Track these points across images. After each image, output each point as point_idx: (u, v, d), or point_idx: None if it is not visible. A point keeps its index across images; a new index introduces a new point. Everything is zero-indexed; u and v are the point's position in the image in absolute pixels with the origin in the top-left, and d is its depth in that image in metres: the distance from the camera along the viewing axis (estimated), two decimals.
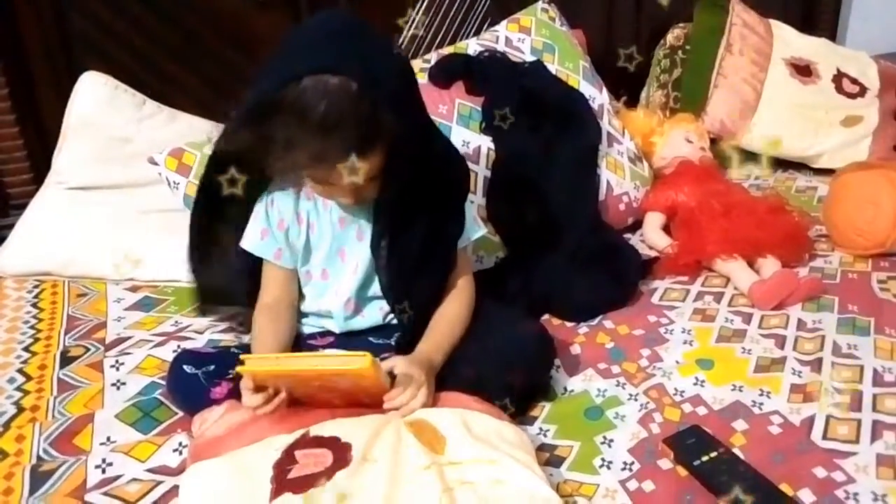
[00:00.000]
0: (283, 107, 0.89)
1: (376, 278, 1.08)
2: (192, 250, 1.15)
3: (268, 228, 1.08)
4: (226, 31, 1.70)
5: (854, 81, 2.00)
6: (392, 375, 0.94)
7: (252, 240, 1.10)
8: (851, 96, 1.98)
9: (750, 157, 1.96)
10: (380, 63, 0.92)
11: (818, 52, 2.05)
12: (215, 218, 1.12)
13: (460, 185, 1.12)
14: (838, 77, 2.00)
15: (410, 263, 1.05)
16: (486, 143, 1.49)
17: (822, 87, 1.98)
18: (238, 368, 0.90)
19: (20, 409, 1.06)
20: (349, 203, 1.02)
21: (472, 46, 1.66)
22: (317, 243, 1.10)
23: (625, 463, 0.96)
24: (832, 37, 2.43)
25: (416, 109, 1.00)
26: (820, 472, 0.91)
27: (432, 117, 1.40)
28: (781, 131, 1.92)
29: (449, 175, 1.09)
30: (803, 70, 1.99)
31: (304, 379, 0.91)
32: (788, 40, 2.05)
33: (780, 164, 1.98)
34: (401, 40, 1.86)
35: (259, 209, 1.09)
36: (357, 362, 0.87)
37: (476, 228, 1.15)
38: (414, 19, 1.86)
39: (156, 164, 1.39)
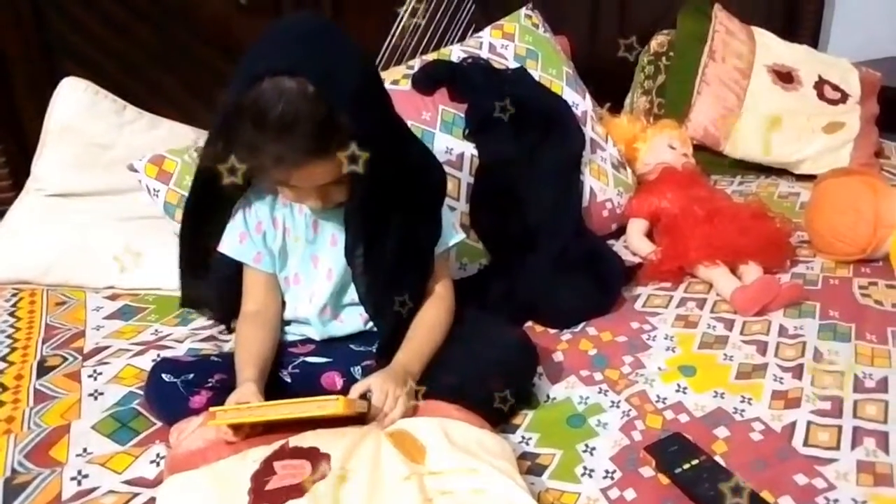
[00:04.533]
0: (244, 109, 0.90)
1: (352, 285, 1.08)
2: (182, 263, 1.15)
3: (246, 232, 1.08)
4: (209, 36, 1.69)
5: (836, 88, 2.02)
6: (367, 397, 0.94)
7: (231, 244, 1.09)
8: (833, 103, 2.00)
9: (733, 163, 1.98)
10: (340, 65, 0.92)
11: (800, 58, 2.07)
12: (204, 231, 1.12)
13: (436, 190, 1.12)
14: (820, 84, 2.02)
15: (386, 271, 1.04)
16: (469, 149, 1.49)
17: (804, 94, 1.99)
18: (209, 423, 0.89)
19: None
20: (317, 207, 1.02)
21: (455, 53, 1.66)
22: (292, 248, 1.10)
23: (606, 471, 0.95)
24: (814, 44, 2.45)
25: (379, 113, 0.99)
26: (801, 480, 0.91)
27: (415, 124, 1.41)
28: (763, 138, 1.93)
29: (423, 180, 1.08)
30: (785, 77, 2.01)
31: (278, 423, 0.90)
32: (771, 47, 2.07)
33: (763, 170, 1.99)
34: (385, 46, 1.85)
35: (237, 213, 1.09)
36: (330, 406, 0.87)
37: (454, 234, 1.14)
38: (398, 26, 1.86)
39: (136, 171, 1.37)
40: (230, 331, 1.23)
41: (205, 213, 1.10)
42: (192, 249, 1.13)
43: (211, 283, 1.16)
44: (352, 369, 1.08)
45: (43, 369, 1.16)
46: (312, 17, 0.95)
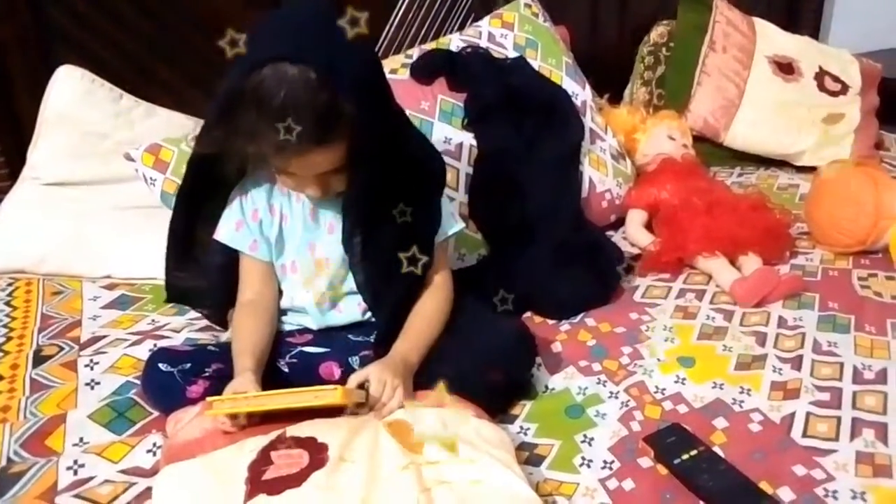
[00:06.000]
0: (245, 96, 0.89)
1: (350, 274, 1.07)
2: (171, 252, 1.13)
3: (242, 220, 1.08)
4: (208, 26, 1.67)
5: (836, 79, 2.01)
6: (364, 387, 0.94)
7: (227, 232, 1.08)
8: (833, 94, 1.99)
9: (732, 154, 1.97)
10: (342, 53, 0.91)
11: (801, 50, 2.06)
12: (195, 219, 1.11)
13: (434, 179, 1.11)
14: (820, 75, 2.01)
15: (385, 260, 1.04)
16: (468, 139, 1.48)
17: (804, 85, 1.98)
18: (206, 412, 0.89)
19: None
20: (316, 195, 1.01)
21: (454, 42, 1.64)
22: (289, 236, 1.09)
23: (605, 461, 0.95)
24: (815, 35, 2.44)
25: (380, 101, 0.98)
26: (799, 470, 0.91)
27: (414, 113, 1.41)
28: (764, 129, 1.93)
29: (422, 169, 1.08)
30: (786, 68, 2.00)
31: (276, 412, 0.90)
32: (771, 38, 2.06)
33: (763, 161, 1.98)
34: (384, 35, 1.84)
35: (233, 201, 1.08)
36: (329, 396, 0.87)
37: (453, 224, 1.14)
38: (397, 14, 1.85)
39: (132, 160, 1.36)
40: (223, 326, 1.21)
41: (198, 201, 1.09)
42: (183, 239, 1.12)
43: (201, 274, 1.14)
44: (350, 359, 1.07)
45: (39, 359, 1.15)
46: (314, 4, 0.94)
